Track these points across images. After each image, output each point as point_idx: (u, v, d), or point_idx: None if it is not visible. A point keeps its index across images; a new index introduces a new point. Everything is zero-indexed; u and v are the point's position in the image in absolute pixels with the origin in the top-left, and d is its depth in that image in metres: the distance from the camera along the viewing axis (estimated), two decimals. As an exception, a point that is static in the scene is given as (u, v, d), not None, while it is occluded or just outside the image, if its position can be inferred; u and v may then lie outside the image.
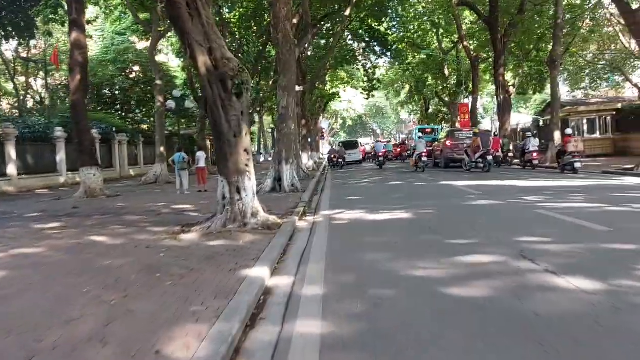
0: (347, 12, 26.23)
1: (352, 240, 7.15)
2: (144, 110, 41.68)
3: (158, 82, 23.80)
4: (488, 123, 45.38)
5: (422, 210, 9.73)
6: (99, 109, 36.32)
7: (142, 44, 40.16)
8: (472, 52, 36.40)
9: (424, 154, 22.56)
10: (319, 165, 37.14)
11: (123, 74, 37.66)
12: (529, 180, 15.91)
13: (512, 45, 32.64)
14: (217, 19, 31.70)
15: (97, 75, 33.89)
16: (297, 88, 21.19)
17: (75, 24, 16.44)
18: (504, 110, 29.81)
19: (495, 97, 36.34)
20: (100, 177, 16.76)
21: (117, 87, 38.27)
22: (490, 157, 20.83)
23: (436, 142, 26.68)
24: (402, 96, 61.36)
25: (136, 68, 40.47)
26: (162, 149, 23.64)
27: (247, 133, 8.88)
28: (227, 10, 34.46)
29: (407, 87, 58.26)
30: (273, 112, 55.57)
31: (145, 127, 40.84)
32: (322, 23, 34.21)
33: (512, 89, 30.92)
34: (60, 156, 23.74)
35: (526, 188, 13.18)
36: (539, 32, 30.96)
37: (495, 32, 29.43)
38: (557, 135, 22.76)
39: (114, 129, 29.68)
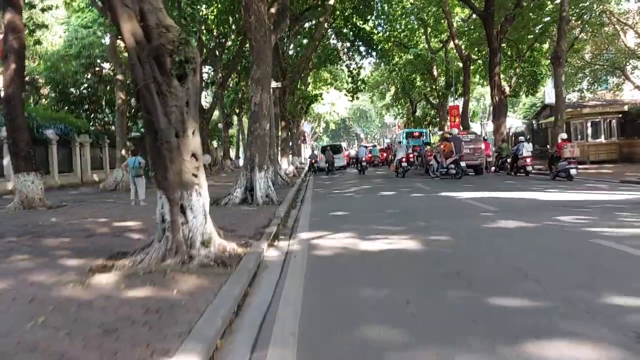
0: (331, 1, 23.87)
1: (340, 294, 4.71)
2: (114, 110, 38.87)
3: (119, 77, 21.21)
4: (477, 126, 43.57)
5: (431, 236, 7.36)
6: (65, 108, 33.59)
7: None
8: (463, 51, 34.35)
9: (403, 159, 22.05)
10: (300, 171, 34.69)
11: (89, 70, 34.82)
12: (542, 191, 13.69)
13: (506, 44, 30.68)
14: (192, 13, 29.34)
15: (59, 72, 31.11)
16: (274, 84, 18.79)
17: (10, 3, 13.84)
18: (499, 112, 27.71)
19: (483, 99, 34.71)
20: (40, 184, 14.10)
21: (82, 85, 35.42)
22: (463, 164, 19.67)
23: (428, 147, 24.43)
24: (388, 99, 59.30)
25: (107, 65, 37.73)
26: (123, 152, 21.03)
27: (195, 131, 6.42)
28: (204, 7, 32.07)
29: (393, 89, 56.25)
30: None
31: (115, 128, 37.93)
32: (305, 18, 31.93)
33: (507, 90, 28.74)
34: (7, 159, 20.95)
35: (550, 202, 10.93)
36: (538, 27, 28.90)
37: (491, 27, 27.34)
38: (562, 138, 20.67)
39: (75, 130, 26.95)
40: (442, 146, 20.61)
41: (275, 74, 25.04)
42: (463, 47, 34.85)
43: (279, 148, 28.56)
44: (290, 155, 47.79)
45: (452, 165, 19.63)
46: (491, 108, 40.64)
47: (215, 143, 51.46)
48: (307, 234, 8.36)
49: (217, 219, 8.11)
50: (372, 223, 8.97)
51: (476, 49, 36.29)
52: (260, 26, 13.75)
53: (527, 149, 20.97)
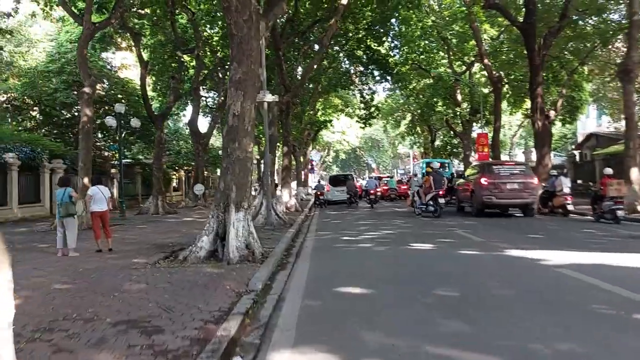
0: (332, 22, 20.05)
1: None
2: (106, 134, 34.85)
3: (86, 89, 17.12)
4: (521, 157, 38.64)
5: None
6: (54, 132, 29.71)
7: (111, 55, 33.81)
8: (493, 72, 30.21)
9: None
10: (304, 203, 30.28)
11: (73, 89, 30.88)
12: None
13: (550, 60, 26.54)
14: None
15: (36, 89, 27.32)
16: (270, 97, 14.59)
17: None
18: (542, 140, 23.27)
19: (508, 127, 30.28)
20: None
21: (68, 105, 31.53)
22: (442, 200, 17.79)
23: (461, 180, 20.02)
24: (403, 127, 55.13)
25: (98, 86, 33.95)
26: (85, 180, 16.81)
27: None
28: (208, 27, 28.49)
29: (409, 116, 52.17)
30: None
31: (108, 153, 34.09)
32: (313, 34, 28.12)
33: (552, 114, 24.43)
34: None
35: None
36: (592, 38, 24.71)
37: (532, 41, 23.18)
38: (634, 172, 16.24)
39: (46, 154, 22.91)
40: (424, 181, 18.98)
41: (277, 90, 21.01)
42: (493, 67, 30.73)
43: (280, 177, 24.35)
44: (295, 186, 43.63)
45: (431, 202, 17.59)
46: (511, 137, 36.34)
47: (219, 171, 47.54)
48: (290, 355, 4.03)
49: (150, 294, 6.24)
50: (420, 331, 4.56)
51: (506, 71, 32.20)
52: (244, 7, 9.59)
53: (565, 184, 17.25)
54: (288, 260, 9.37)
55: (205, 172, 50.26)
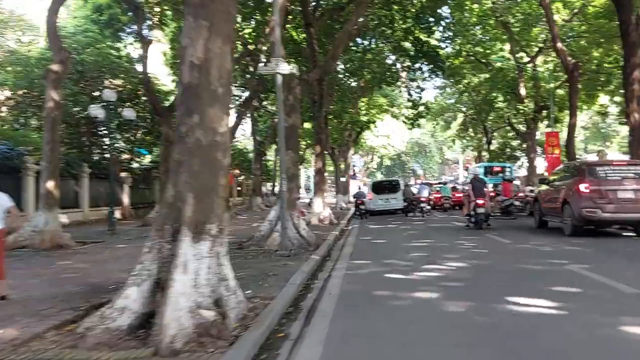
0: None
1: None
2: (123, 133, 31.42)
3: (54, 67, 13.38)
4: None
5: None
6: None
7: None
8: (569, 59, 25.19)
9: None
10: (341, 215, 25.91)
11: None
12: None
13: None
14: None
15: (28, 77, 23.87)
16: (284, 68, 10.34)
17: None
18: (639, 136, 18.33)
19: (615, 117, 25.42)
20: None
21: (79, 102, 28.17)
22: (481, 210, 15.59)
23: (543, 186, 15.22)
24: (454, 129, 50.16)
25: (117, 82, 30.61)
26: (50, 184, 13.01)
27: None
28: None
29: (461, 117, 47.26)
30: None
31: (127, 155, 30.76)
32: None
33: (652, 104, 19.34)
34: None
35: None
36: None
37: (627, 10, 18.39)
38: None
39: (30, 153, 19.39)
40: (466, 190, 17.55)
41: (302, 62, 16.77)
42: (568, 52, 25.75)
43: (313, 183, 20.15)
44: (334, 194, 39.34)
45: (472, 213, 15.91)
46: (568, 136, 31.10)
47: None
48: None
49: None
50: None
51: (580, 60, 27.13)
52: None
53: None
54: (288, 332, 5.07)
55: (240, 178, 46.75)
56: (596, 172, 12.09)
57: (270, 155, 46.26)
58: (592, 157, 41.04)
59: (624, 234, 12.96)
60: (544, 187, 15.04)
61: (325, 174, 65.31)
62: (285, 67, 10.28)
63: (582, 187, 11.90)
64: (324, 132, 20.59)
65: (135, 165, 31.09)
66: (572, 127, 25.23)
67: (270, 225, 12.36)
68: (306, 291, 7.05)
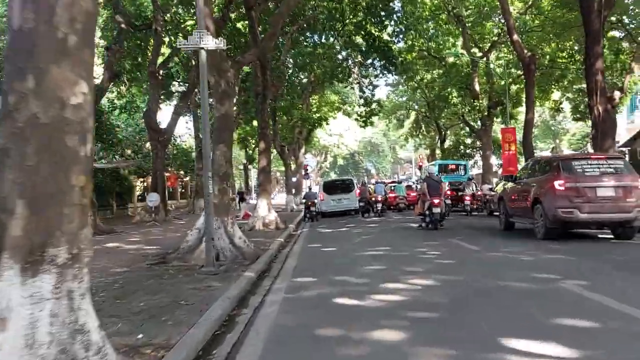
0: None
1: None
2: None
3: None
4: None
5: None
6: None
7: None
8: (525, 52, 24.21)
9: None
10: (291, 217, 24.14)
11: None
12: None
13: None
14: None
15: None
16: (209, 42, 8.41)
17: None
18: (604, 131, 17.29)
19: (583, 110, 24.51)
20: None
21: None
22: (437, 210, 14.87)
23: (509, 184, 13.81)
24: (407, 127, 49.16)
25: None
26: None
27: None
28: None
29: (414, 115, 46.28)
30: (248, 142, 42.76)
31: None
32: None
33: (616, 96, 18.43)
34: None
35: None
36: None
37: (591, 0, 17.38)
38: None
39: None
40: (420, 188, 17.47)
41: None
42: (525, 44, 24.80)
43: (253, 182, 18.22)
44: (284, 194, 37.50)
45: (427, 212, 15.28)
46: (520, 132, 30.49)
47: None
48: None
49: None
50: None
51: (539, 52, 26.30)
52: None
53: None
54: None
55: (185, 179, 44.14)
56: (572, 168, 10.69)
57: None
58: (546, 154, 40.65)
59: (600, 235, 11.67)
60: (510, 184, 13.65)
61: (278, 174, 62.84)
62: (211, 42, 8.36)
63: (557, 185, 10.48)
64: (270, 127, 18.64)
65: None
66: (529, 123, 24.28)
67: (198, 234, 10.41)
68: (227, 327, 5.22)
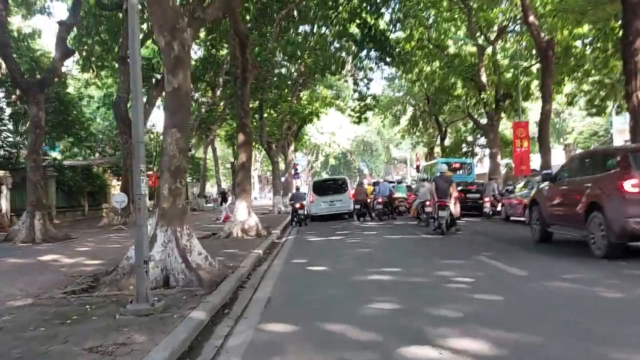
0: None
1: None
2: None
3: None
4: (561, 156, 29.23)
5: None
6: None
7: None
8: (543, 35, 21.56)
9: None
10: (276, 221, 21.36)
11: None
12: None
13: None
14: None
15: None
16: None
17: None
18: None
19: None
20: None
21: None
22: (443, 213, 13.56)
23: (545, 184, 11.00)
24: (403, 124, 46.43)
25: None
26: None
27: None
28: None
29: (411, 111, 43.61)
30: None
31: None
32: None
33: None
34: None
35: None
36: None
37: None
38: None
39: None
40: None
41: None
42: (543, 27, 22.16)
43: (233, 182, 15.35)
44: (271, 194, 34.72)
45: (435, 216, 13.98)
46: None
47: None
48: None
49: None
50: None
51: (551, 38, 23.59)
52: None
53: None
54: None
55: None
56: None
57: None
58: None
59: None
60: (545, 184, 10.85)
61: (268, 173, 59.47)
62: None
63: (628, 185, 7.71)
64: (249, 116, 15.70)
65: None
66: (546, 115, 21.63)
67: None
68: None
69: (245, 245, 12.14)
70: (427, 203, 15.90)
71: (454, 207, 14.16)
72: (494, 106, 27.59)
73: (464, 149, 36.63)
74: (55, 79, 18.60)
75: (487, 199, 18.69)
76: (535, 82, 29.81)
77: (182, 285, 7.13)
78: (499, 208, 18.45)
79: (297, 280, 7.94)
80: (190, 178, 45.18)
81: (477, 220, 18.71)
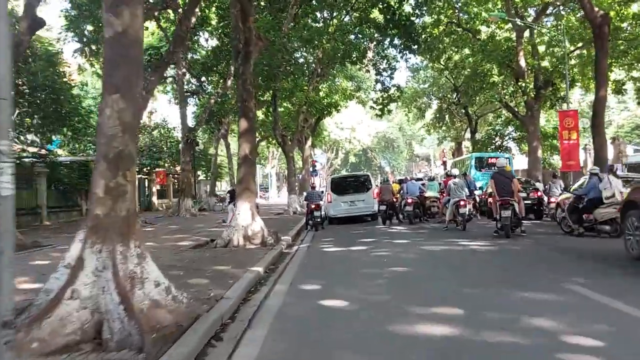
0: None
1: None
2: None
3: None
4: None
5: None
6: None
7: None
8: (596, 11, 18.52)
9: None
10: (286, 224, 18.69)
11: None
12: None
13: None
14: None
15: None
16: None
17: None
18: None
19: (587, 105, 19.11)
20: None
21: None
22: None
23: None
24: (428, 118, 43.45)
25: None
26: None
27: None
28: None
29: (436, 103, 40.68)
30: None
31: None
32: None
33: None
34: None
35: None
36: None
37: None
38: None
39: None
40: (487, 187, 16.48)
41: None
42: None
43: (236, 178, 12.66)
44: (286, 194, 32.06)
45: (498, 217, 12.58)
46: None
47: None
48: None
49: None
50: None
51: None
52: None
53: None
54: None
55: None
56: None
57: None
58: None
59: None
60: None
61: (286, 171, 57.01)
62: None
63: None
64: (253, 98, 12.94)
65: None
66: (601, 102, 18.60)
67: (64, 277, 4.92)
68: None
69: (244, 259, 9.46)
70: (462, 203, 14.63)
71: (518, 206, 12.36)
72: (533, 94, 24.54)
73: (497, 143, 33.56)
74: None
75: (553, 200, 15.79)
76: (576, 70, 26.78)
77: (118, 339, 4.45)
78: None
79: (302, 331, 5.15)
80: (204, 175, 42.86)
81: (534, 224, 15.93)
